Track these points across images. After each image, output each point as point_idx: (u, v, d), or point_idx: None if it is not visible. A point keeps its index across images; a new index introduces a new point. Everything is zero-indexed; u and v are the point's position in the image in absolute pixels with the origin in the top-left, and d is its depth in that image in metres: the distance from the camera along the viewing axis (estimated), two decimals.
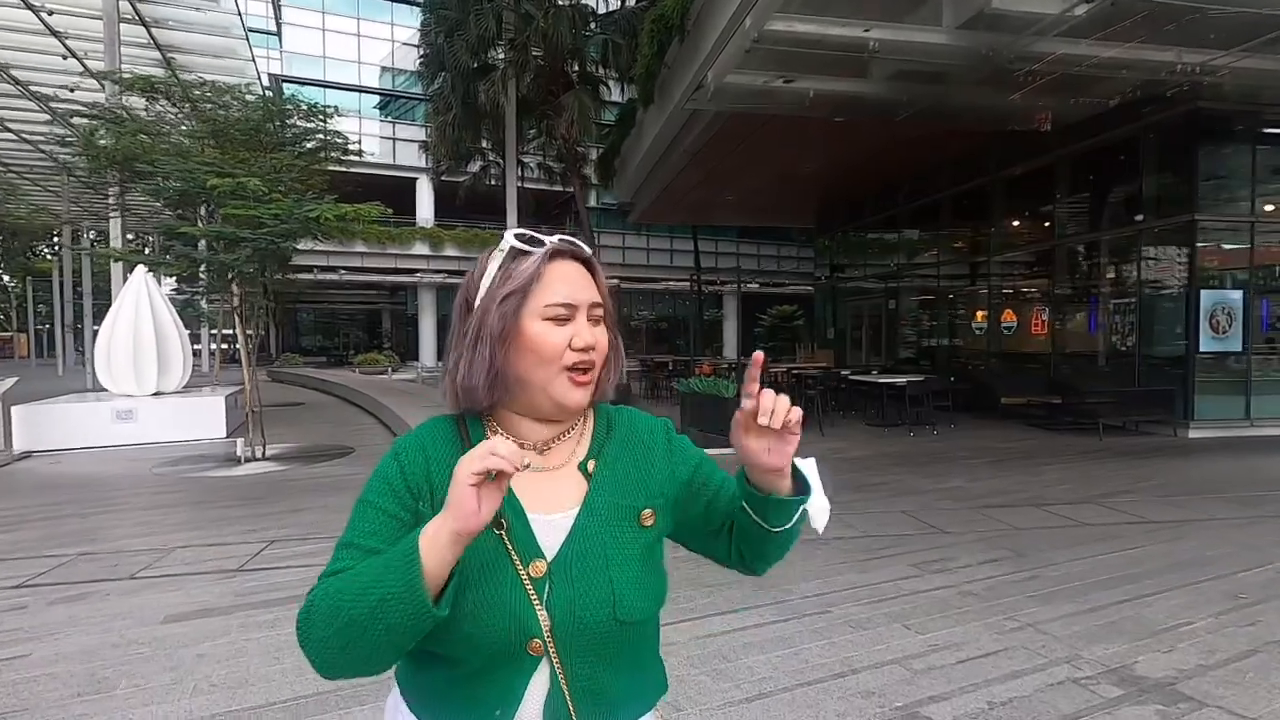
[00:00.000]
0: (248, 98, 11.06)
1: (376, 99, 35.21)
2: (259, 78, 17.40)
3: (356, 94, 34.14)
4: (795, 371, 10.75)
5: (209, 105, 10.46)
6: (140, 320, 9.57)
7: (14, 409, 8.59)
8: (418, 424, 0.95)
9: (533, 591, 0.81)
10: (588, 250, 0.89)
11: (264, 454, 7.91)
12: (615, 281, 36.23)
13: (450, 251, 33.59)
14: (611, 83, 18.34)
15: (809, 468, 0.96)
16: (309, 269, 32.45)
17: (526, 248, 0.86)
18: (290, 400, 15.34)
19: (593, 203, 37.17)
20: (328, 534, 4.68)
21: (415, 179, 34.32)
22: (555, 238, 0.88)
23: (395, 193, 34.79)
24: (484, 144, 23.66)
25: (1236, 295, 9.04)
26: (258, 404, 8.09)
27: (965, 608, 3.44)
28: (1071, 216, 11.01)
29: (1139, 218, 9.62)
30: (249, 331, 8.49)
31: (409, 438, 0.91)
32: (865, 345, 17.34)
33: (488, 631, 0.79)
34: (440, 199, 33.42)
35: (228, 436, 9.64)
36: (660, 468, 0.94)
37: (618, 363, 0.93)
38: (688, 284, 27.98)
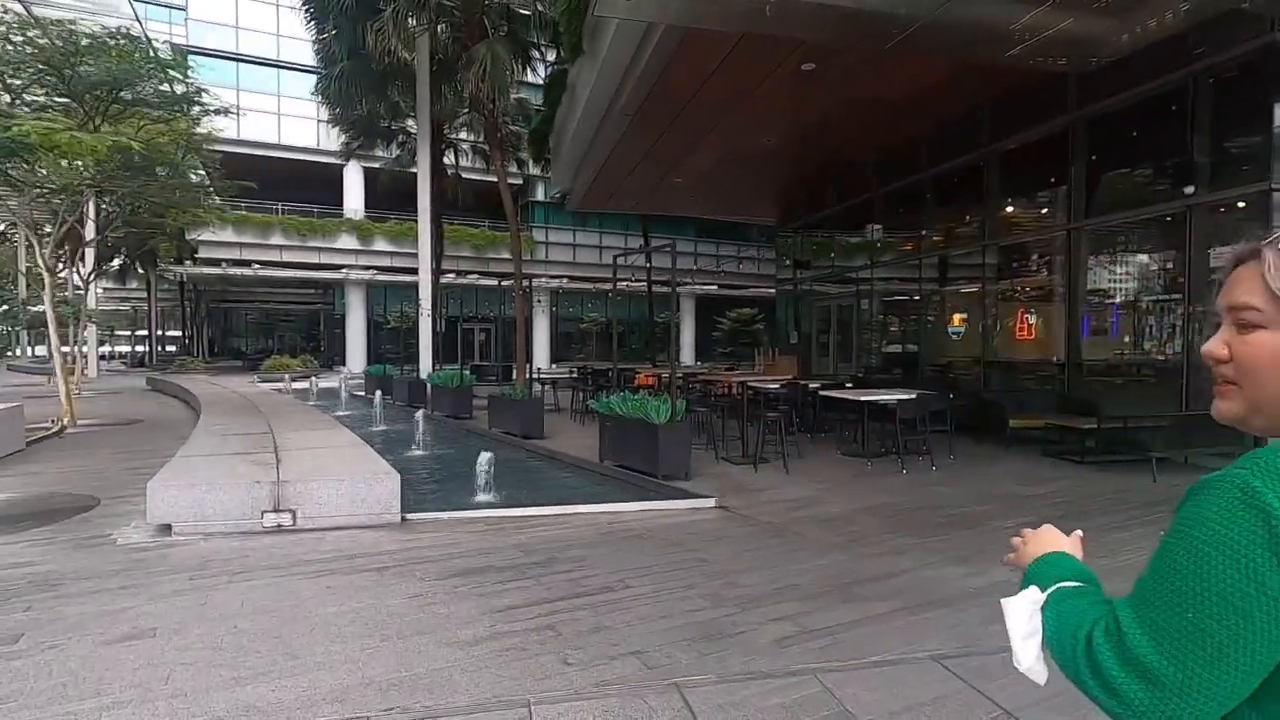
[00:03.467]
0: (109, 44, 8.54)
1: (301, 77, 31.74)
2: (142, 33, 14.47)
3: (275, 69, 30.83)
4: (753, 387, 8.35)
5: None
6: None
7: None
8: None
9: None
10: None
11: None
12: (561, 281, 33.65)
13: (381, 245, 30.53)
14: (545, 47, 15.80)
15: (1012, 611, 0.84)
16: (217, 262, 29.09)
17: None
18: (129, 417, 12.33)
19: (540, 195, 34.83)
20: None
21: (343, 165, 31.11)
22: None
23: (323, 181, 31.70)
24: (405, 122, 20.99)
25: None
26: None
27: None
28: (1094, 192, 8.86)
29: (1188, 190, 7.49)
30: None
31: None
32: (833, 351, 15.10)
33: None
34: (374, 189, 30.46)
35: None
36: None
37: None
38: (642, 284, 25.51)
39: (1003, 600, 0.84)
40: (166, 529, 4.70)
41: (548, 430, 9.74)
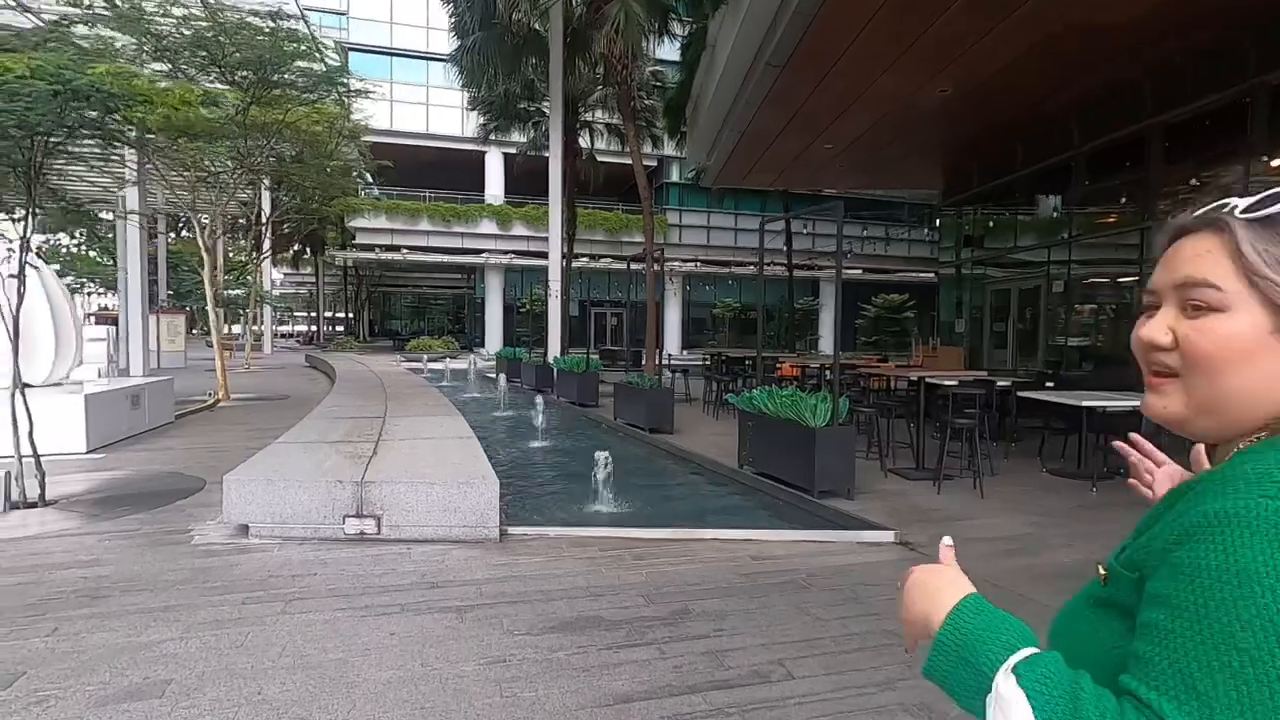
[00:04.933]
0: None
1: (448, 68, 32.75)
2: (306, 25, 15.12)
3: (424, 61, 32.03)
4: (930, 383, 6.74)
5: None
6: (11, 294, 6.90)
7: None
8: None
9: None
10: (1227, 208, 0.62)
11: (42, 496, 4.92)
12: (694, 264, 32.49)
13: (519, 230, 30.95)
14: (682, 10, 14.63)
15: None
16: (371, 247, 30.83)
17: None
18: (278, 393, 12.78)
19: (675, 176, 33.81)
20: None
21: (485, 152, 31.91)
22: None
23: (466, 168, 32.72)
24: (541, 104, 20.70)
25: None
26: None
27: None
28: None
29: None
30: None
31: None
32: (1012, 343, 12.81)
33: None
34: (512, 174, 31.00)
35: (88, 451, 6.86)
36: (1149, 529, 0.62)
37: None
38: (783, 268, 23.86)
39: None
40: (244, 530, 4.14)
41: (677, 424, 8.68)
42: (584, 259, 27.58)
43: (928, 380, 6.70)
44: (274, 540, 4.04)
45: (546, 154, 15.88)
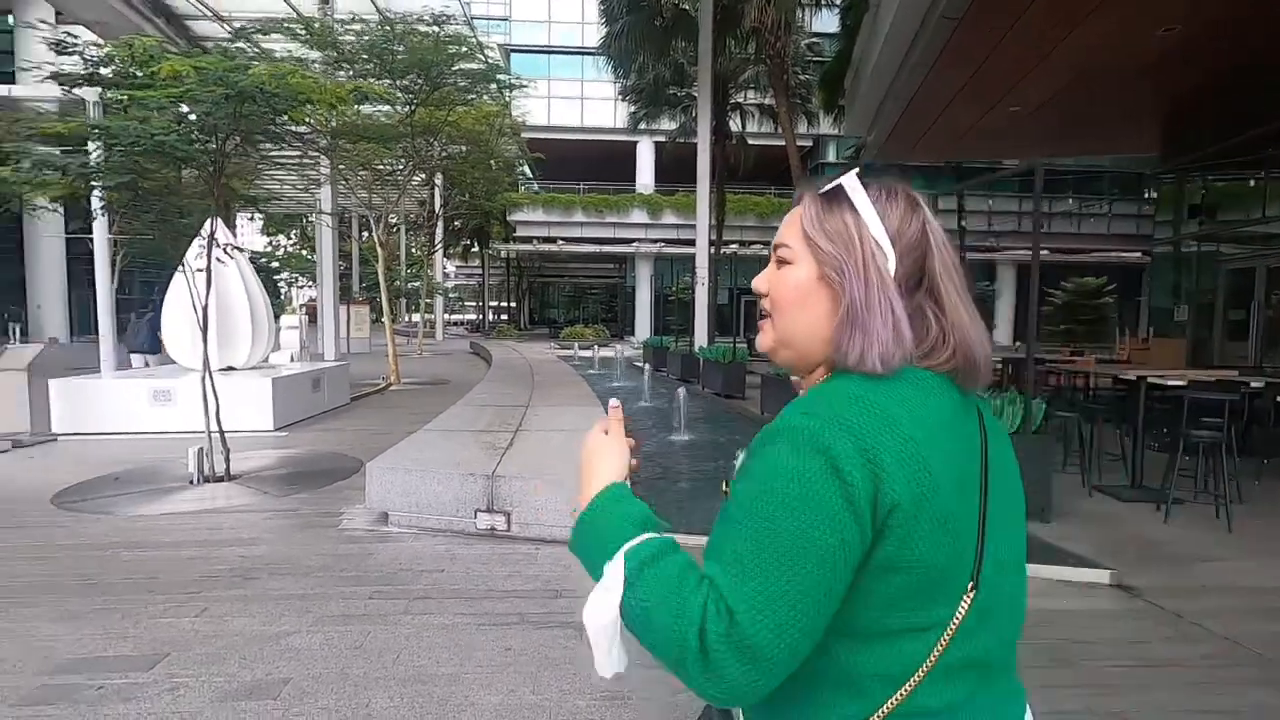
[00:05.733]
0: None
1: (601, 62, 33.40)
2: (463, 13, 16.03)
3: (579, 56, 32.86)
4: (1153, 383, 5.46)
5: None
6: (200, 284, 7.81)
7: (51, 383, 7.28)
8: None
9: None
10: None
11: (228, 471, 5.39)
12: None
13: (669, 218, 30.93)
14: None
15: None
16: (529, 239, 32.28)
17: None
18: (441, 378, 13.59)
19: (831, 157, 32.01)
20: None
21: (636, 142, 32.25)
22: None
23: (618, 159, 33.27)
24: (690, 88, 20.30)
25: None
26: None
27: None
28: None
29: None
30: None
31: None
32: (1257, 335, 10.50)
33: None
34: (662, 163, 31.06)
35: (276, 429, 7.55)
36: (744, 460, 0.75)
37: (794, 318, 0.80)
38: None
39: (586, 612, 0.70)
40: (385, 517, 4.19)
41: None
42: (733, 245, 26.94)
43: (1149, 379, 5.48)
44: (410, 530, 4.05)
45: (695, 140, 15.51)
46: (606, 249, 32.73)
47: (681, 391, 8.25)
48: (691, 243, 16.08)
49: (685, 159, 21.95)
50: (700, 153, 14.71)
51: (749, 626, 0.61)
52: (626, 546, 0.70)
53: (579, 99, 33.26)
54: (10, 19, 23.38)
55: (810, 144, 28.40)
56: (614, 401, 0.89)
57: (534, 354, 16.49)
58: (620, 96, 22.32)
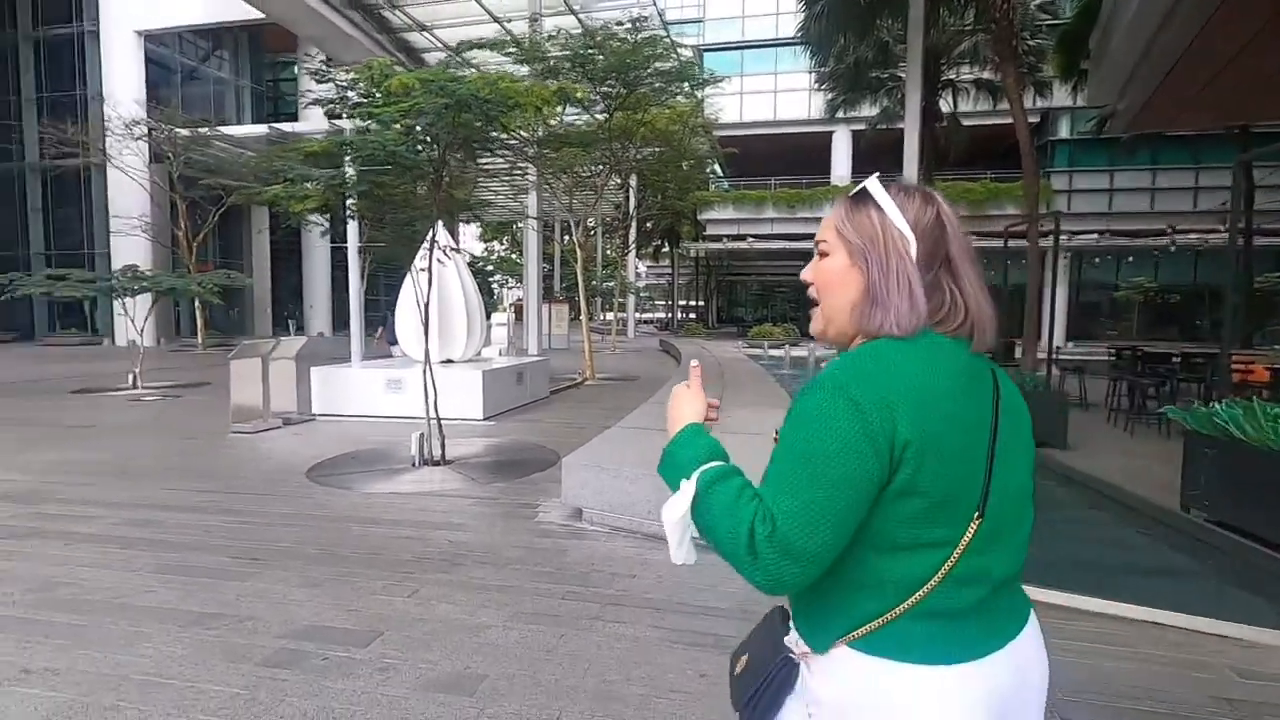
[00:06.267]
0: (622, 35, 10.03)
1: (796, 52, 32.34)
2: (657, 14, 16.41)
3: (773, 49, 32.08)
4: None
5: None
6: (423, 283, 8.64)
7: (312, 371, 8.48)
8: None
9: None
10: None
11: (443, 456, 5.82)
12: (1091, 237, 26.40)
13: None
14: None
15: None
16: (719, 238, 32.20)
17: None
18: (632, 375, 13.89)
19: (1064, 133, 27.95)
20: None
21: (831, 132, 30.84)
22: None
23: (812, 152, 32.02)
24: (895, 68, 18.78)
25: None
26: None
27: None
28: None
29: None
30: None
31: None
32: None
33: None
34: (860, 152, 29.36)
35: (485, 418, 8.11)
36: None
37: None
38: (1223, 231, 17.92)
39: (663, 510, 0.90)
40: (578, 513, 4.20)
41: (1072, 437, 6.77)
42: None
43: None
44: (603, 529, 4.01)
45: (898, 125, 14.26)
46: (797, 245, 31.63)
47: None
48: None
49: (886, 147, 20.44)
50: (908, 136, 13.45)
51: (786, 530, 0.78)
52: (701, 469, 0.88)
53: (771, 92, 32.50)
54: (296, 69, 28.25)
55: (1037, 120, 25.02)
56: (694, 362, 1.07)
57: (722, 352, 16.30)
58: (816, 85, 21.37)
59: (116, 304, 12.07)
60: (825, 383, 0.84)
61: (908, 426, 0.79)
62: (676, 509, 0.87)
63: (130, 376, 10.92)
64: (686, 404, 1.01)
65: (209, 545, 3.81)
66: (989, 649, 0.85)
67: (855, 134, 27.98)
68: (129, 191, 21.73)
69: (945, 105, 20.26)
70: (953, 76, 19.90)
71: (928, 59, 14.46)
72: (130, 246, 21.20)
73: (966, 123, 21.41)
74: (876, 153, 22.71)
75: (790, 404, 0.88)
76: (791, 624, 0.95)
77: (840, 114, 20.56)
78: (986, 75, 19.27)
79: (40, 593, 3.15)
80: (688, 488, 0.87)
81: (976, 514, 0.83)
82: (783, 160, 32.80)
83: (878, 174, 0.98)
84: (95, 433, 7.39)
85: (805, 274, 0.99)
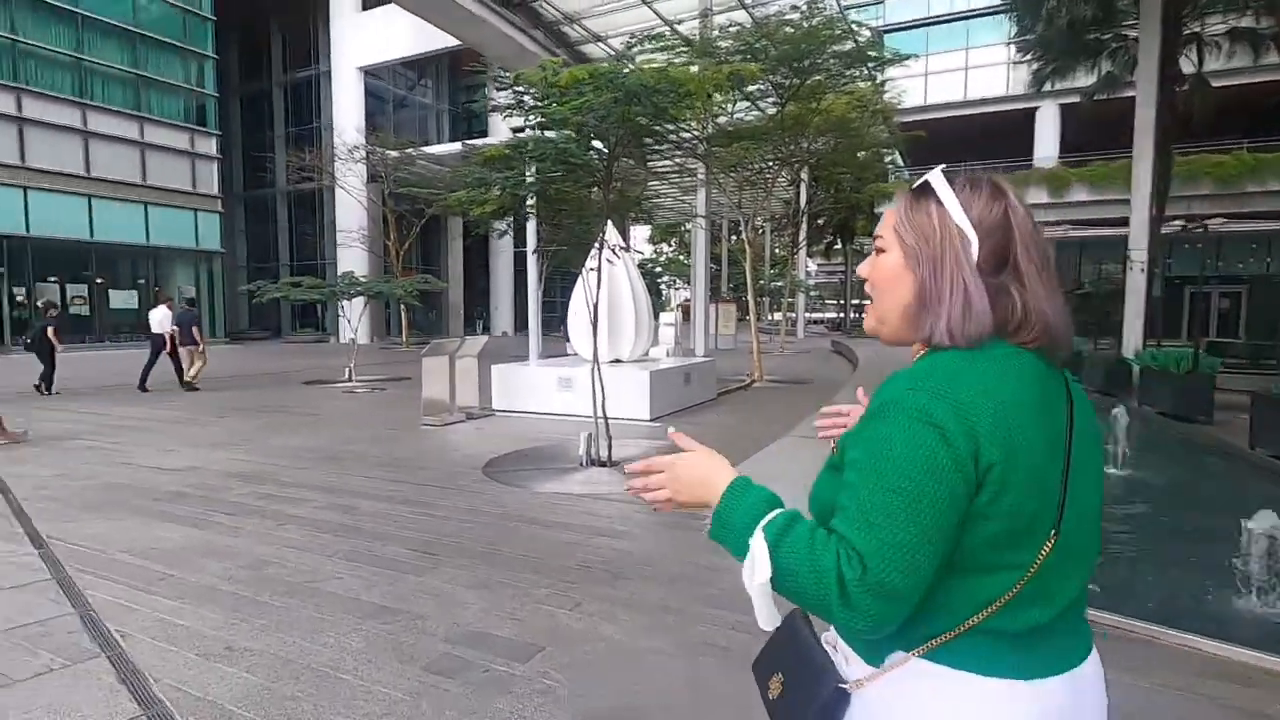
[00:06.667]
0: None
1: (989, 22, 29.13)
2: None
3: (964, 21, 29.19)
4: None
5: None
6: (592, 283, 8.78)
7: (493, 368, 8.94)
8: None
9: None
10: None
11: (610, 457, 5.75)
12: None
13: (1078, 195, 25.46)
14: None
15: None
16: None
17: None
18: (802, 377, 13.22)
19: None
20: None
21: (1035, 109, 27.53)
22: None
23: (1010, 132, 28.69)
24: (1119, 28, 16.07)
25: None
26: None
27: None
28: None
29: None
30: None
31: None
32: None
33: None
34: (1071, 129, 25.84)
35: (652, 419, 8.02)
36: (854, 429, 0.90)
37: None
38: None
39: (744, 577, 0.82)
40: None
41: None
42: (1176, 222, 20.79)
43: None
44: None
45: (1125, 93, 12.12)
46: None
47: (1118, 409, 6.32)
48: (1109, 222, 12.74)
49: (1103, 120, 17.71)
50: (1140, 101, 11.49)
51: (880, 571, 0.74)
52: (763, 523, 0.82)
53: (961, 70, 29.64)
54: (485, 90, 30.65)
55: None
56: (670, 429, 1.01)
57: (905, 354, 15.00)
58: (1019, 57, 19.01)
59: (337, 306, 13.70)
60: (904, 406, 0.79)
61: (990, 449, 0.77)
62: (758, 574, 0.79)
63: (346, 370, 12.33)
64: (706, 463, 0.92)
65: (394, 536, 3.99)
66: (1049, 672, 0.82)
67: (1064, 108, 24.66)
68: (350, 208, 24.98)
69: (1188, 64, 17.06)
70: (1198, 29, 16.69)
71: (1167, 8, 12.23)
72: (351, 256, 24.22)
73: (1217, 83, 17.88)
74: (1093, 127, 19.80)
75: (862, 423, 0.84)
76: (827, 640, 0.92)
77: (1048, 86, 18.07)
78: (1246, 23, 15.96)
79: (253, 570, 3.46)
80: (759, 548, 0.80)
81: (1052, 533, 0.80)
82: (972, 145, 29.70)
83: (942, 165, 0.90)
84: (316, 421, 8.34)
85: (862, 269, 0.95)
